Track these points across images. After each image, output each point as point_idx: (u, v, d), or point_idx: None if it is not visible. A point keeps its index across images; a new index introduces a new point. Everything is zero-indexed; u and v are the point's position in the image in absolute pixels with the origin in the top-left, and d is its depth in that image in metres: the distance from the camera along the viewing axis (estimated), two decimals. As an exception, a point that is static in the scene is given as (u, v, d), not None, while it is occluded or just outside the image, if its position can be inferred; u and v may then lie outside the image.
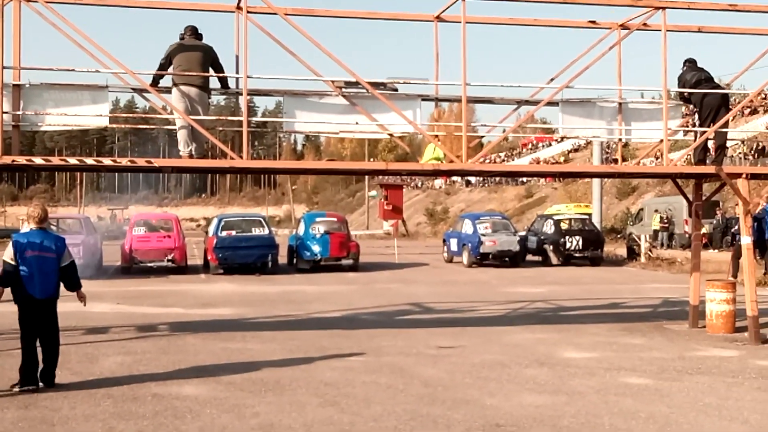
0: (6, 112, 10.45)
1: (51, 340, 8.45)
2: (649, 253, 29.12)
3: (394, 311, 15.46)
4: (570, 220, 30.88)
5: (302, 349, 10.87)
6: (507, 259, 27.76)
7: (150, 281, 21.80)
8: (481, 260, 27.43)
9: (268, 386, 8.47)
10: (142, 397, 7.88)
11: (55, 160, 11.37)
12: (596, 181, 34.23)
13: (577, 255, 28.71)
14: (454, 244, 30.07)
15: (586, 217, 32.94)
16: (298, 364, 9.78)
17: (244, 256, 24.64)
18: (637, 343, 11.48)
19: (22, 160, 10.57)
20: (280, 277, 23.45)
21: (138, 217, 28.81)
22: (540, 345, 11.25)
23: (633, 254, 30.05)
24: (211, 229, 26.26)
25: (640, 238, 30.37)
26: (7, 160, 10.36)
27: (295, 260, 26.72)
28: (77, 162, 11.20)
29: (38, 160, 10.88)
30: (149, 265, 24.77)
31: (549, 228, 29.83)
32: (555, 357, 10.33)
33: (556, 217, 31.23)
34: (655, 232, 36.49)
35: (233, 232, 25.45)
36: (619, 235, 41.44)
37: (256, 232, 25.90)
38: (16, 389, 8.20)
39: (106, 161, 11.25)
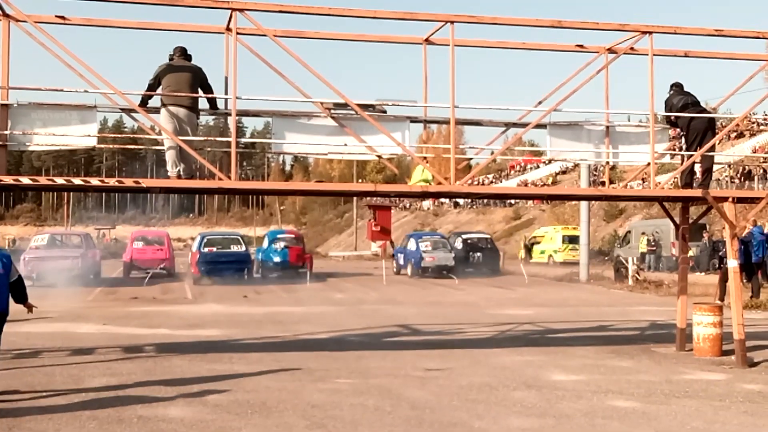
0: (-7, 132, 10.41)
1: None
2: (636, 275, 29.19)
3: (382, 333, 15.43)
4: (476, 238, 38.33)
5: (289, 370, 10.82)
6: (444, 272, 32.45)
7: (136, 302, 21.67)
8: (422, 273, 32.64)
9: (255, 408, 8.42)
10: (127, 419, 7.82)
11: (43, 180, 11.32)
12: (584, 204, 34.29)
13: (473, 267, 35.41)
14: (401, 258, 36.01)
15: (488, 236, 40.82)
16: (284, 385, 9.73)
17: (222, 270, 29.19)
18: (625, 365, 11.48)
19: (9, 179, 10.52)
20: (267, 298, 23.37)
21: (137, 233, 34.82)
22: (528, 367, 11.24)
23: (620, 276, 30.13)
24: (195, 245, 31.38)
25: (627, 261, 30.45)
26: (-7, 179, 10.32)
27: (260, 270, 32.29)
28: (64, 182, 11.16)
29: (25, 180, 10.84)
30: (146, 271, 29.56)
31: (458, 245, 36.71)
32: (543, 379, 10.32)
33: (464, 236, 38.27)
34: (643, 254, 36.66)
35: (214, 249, 30.46)
36: (606, 258, 41.54)
37: (234, 248, 31.00)
38: None
39: (94, 181, 11.21)
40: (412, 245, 34.83)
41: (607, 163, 13.17)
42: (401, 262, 35.88)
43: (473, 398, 9.07)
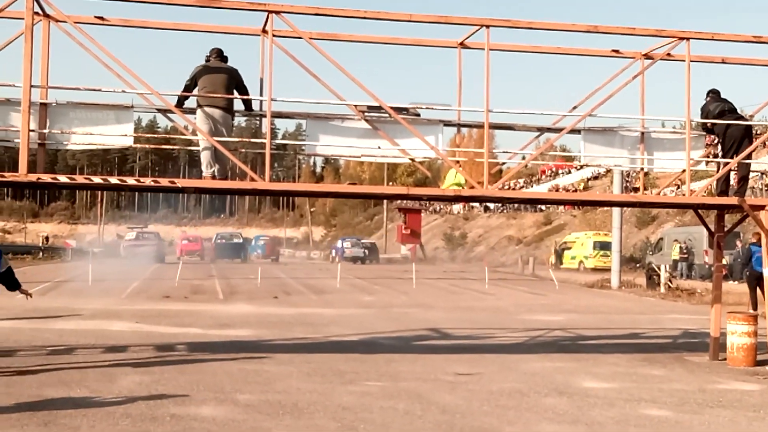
0: (32, 130, 10.55)
1: None
2: (668, 283, 28.92)
3: (412, 336, 15.43)
4: (368, 243, 61.56)
5: (319, 372, 10.85)
6: (359, 261, 55.65)
7: (168, 301, 21.86)
8: (344, 260, 52.37)
9: (286, 409, 8.45)
10: (160, 418, 7.88)
11: (80, 179, 11.44)
12: (616, 210, 34.11)
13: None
14: (334, 252, 60.44)
15: (374, 242, 64.79)
16: (315, 387, 9.76)
17: (227, 252, 54.38)
18: (657, 374, 11.38)
19: (47, 178, 10.66)
20: (296, 299, 23.48)
21: (183, 236, 66.05)
22: (558, 374, 11.18)
23: (652, 284, 29.88)
24: (213, 238, 58.59)
25: (659, 268, 30.18)
26: (32, 177, 10.45)
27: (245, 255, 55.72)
28: (101, 181, 11.28)
29: (63, 179, 10.97)
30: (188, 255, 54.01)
31: (368, 244, 60.98)
32: (574, 386, 10.26)
33: (363, 241, 61.68)
34: (675, 262, 36.30)
35: (224, 240, 57.13)
36: (638, 265, 41.21)
37: (235, 240, 57.26)
38: None
39: (130, 181, 11.32)
40: (339, 244, 60.19)
41: (642, 169, 13.08)
42: (334, 254, 59.77)
43: (504, 404, 9.03)
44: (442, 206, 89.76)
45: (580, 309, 22.20)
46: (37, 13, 10.72)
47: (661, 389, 10.16)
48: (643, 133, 12.43)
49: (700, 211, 14.29)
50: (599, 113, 11.98)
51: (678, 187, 32.82)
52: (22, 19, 10.39)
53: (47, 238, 77.79)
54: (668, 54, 12.21)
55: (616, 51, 12.59)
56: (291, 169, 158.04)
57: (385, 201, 73.82)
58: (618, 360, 12.58)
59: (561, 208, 67.64)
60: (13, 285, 10.39)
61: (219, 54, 11.51)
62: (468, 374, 10.97)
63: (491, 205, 77.30)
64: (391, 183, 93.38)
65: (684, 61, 11.87)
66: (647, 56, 12.36)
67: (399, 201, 62.03)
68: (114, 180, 11.17)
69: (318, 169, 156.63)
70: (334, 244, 63.92)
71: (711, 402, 9.41)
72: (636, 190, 47.64)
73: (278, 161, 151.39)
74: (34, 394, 8.79)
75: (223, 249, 54.42)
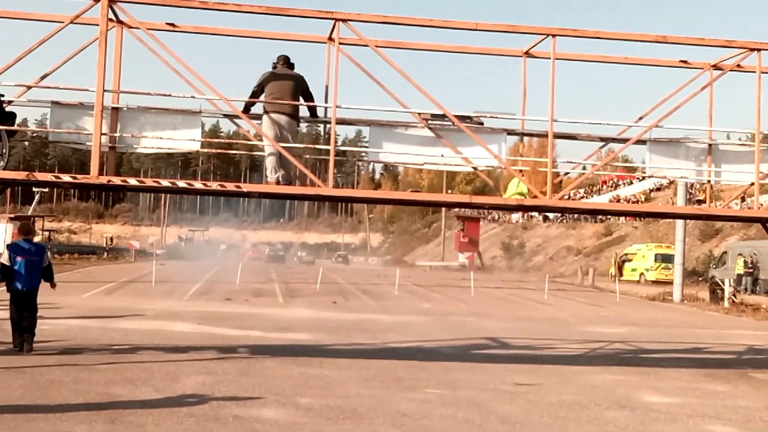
0: (104, 134, 10.83)
1: (32, 318, 11.68)
2: (732, 298, 28.34)
3: (470, 345, 15.39)
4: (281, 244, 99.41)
5: (378, 378, 10.90)
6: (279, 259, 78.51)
7: (230, 304, 22.16)
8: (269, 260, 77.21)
9: (346, 414, 8.51)
10: (223, 418, 8.01)
11: (149, 182, 11.72)
12: (680, 222, 33.57)
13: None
14: (264, 253, 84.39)
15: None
16: (374, 393, 9.81)
17: (274, 257, 79.80)
18: (721, 390, 11.16)
19: (117, 180, 10.94)
20: (354, 304, 23.61)
21: (249, 247, 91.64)
22: (619, 387, 11.04)
23: (715, 298, 29.31)
24: (267, 250, 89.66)
25: (723, 282, 29.60)
26: (103, 180, 10.73)
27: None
28: (169, 184, 11.50)
29: (132, 181, 11.25)
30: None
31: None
32: (635, 400, 10.13)
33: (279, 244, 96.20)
34: (739, 276, 35.51)
35: (273, 252, 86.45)
36: (700, 278, 40.47)
37: (279, 253, 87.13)
38: (17, 348, 11.52)
39: (197, 184, 11.53)
40: (270, 247, 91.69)
41: (708, 181, 12.87)
42: (265, 253, 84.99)
43: (564, 416, 8.96)
44: (500, 215, 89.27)
45: (641, 322, 21.88)
46: (110, 20, 11.01)
47: (725, 405, 9.97)
48: (710, 145, 12.24)
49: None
50: (665, 124, 11.84)
51: (743, 200, 32.24)
52: (97, 25, 10.69)
53: (111, 239, 79.49)
54: (738, 65, 12.01)
55: (685, 61, 12.43)
56: (350, 175, 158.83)
57: (443, 209, 73.69)
58: (680, 375, 12.38)
59: (622, 219, 66.72)
60: (50, 277, 12.10)
61: (286, 61, 11.68)
62: (527, 384, 10.90)
63: (550, 215, 76.62)
64: (449, 191, 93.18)
65: (754, 72, 11.66)
66: (716, 67, 12.19)
67: (457, 209, 61.62)
68: (182, 183, 11.38)
69: (377, 176, 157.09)
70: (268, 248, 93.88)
71: (778, 420, 9.22)
72: (699, 202, 46.86)
73: (337, 167, 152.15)
74: (101, 392, 9.00)
75: (272, 257, 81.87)
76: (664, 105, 11.91)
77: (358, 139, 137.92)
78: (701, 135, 12.52)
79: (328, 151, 11.55)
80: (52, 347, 12.30)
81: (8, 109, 11.31)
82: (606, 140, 12.81)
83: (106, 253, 60.75)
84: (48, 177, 11.98)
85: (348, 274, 45.62)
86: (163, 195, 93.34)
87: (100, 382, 9.63)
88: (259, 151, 11.83)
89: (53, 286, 12.26)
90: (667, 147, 12.31)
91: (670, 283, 34.37)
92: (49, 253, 12.29)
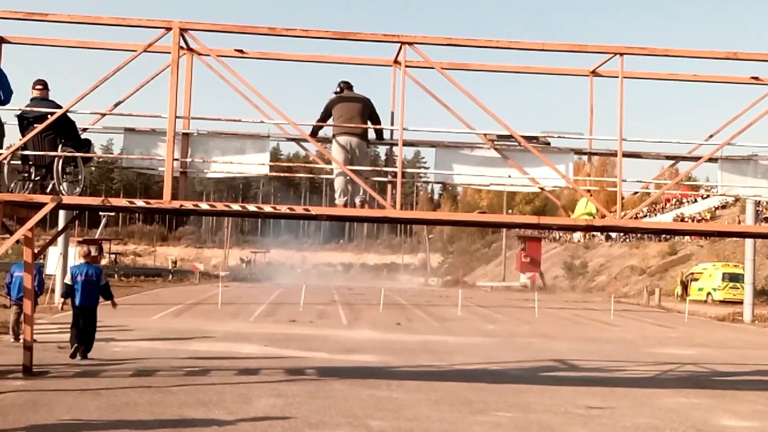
0: (176, 159, 11.04)
1: (89, 330, 13.42)
2: (806, 318, 27.57)
3: (538, 367, 15.23)
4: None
5: (447, 400, 10.85)
6: None
7: (294, 325, 22.29)
8: None
9: (418, 437, 8.49)
10: (297, 440, 8.05)
11: (219, 206, 11.86)
12: (749, 241, 32.80)
13: None
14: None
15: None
16: (445, 416, 9.76)
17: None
18: (802, 414, 10.85)
19: (189, 204, 11.13)
20: (419, 326, 23.56)
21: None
22: (695, 410, 10.81)
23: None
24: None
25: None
26: (175, 204, 10.94)
27: None
28: (240, 208, 11.64)
29: (204, 206, 11.43)
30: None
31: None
32: (712, 424, 9.91)
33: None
34: (813, 295, 34.55)
35: None
36: (771, 298, 39.43)
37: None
38: (71, 357, 13.05)
39: (267, 208, 11.65)
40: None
41: (781, 199, 12.58)
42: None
43: (640, 439, 8.80)
44: (561, 234, 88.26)
45: (712, 343, 21.40)
46: (181, 47, 11.25)
47: (807, 430, 9.69)
48: (783, 163, 11.97)
49: None
50: (736, 141, 11.62)
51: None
52: (168, 53, 10.93)
53: (175, 262, 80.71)
54: (812, 80, 11.76)
55: (756, 78, 12.20)
56: (409, 195, 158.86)
57: (503, 229, 73.26)
58: (757, 398, 12.07)
59: (687, 237, 65.35)
60: (108, 296, 13.79)
61: (348, 85, 11.79)
62: (599, 408, 10.74)
63: (613, 234, 75.50)
64: (509, 211, 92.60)
65: (831, 87, 11.39)
66: (789, 83, 11.93)
67: (518, 229, 61.03)
68: (252, 207, 11.52)
69: (435, 196, 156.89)
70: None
71: None
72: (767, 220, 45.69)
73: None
74: (175, 414, 9.14)
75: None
76: (734, 122, 11.70)
77: (417, 160, 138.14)
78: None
79: (387, 173, 11.60)
80: (125, 369, 12.55)
81: (83, 136, 11.64)
82: (676, 159, 12.63)
83: (170, 276, 61.71)
84: (122, 202, 12.25)
85: (410, 295, 45.54)
86: (225, 218, 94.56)
87: (174, 404, 9.77)
88: (320, 173, 11.94)
89: (114, 305, 14.06)
90: (738, 165, 12.08)
91: (739, 302, 33.57)
92: (104, 274, 13.99)
